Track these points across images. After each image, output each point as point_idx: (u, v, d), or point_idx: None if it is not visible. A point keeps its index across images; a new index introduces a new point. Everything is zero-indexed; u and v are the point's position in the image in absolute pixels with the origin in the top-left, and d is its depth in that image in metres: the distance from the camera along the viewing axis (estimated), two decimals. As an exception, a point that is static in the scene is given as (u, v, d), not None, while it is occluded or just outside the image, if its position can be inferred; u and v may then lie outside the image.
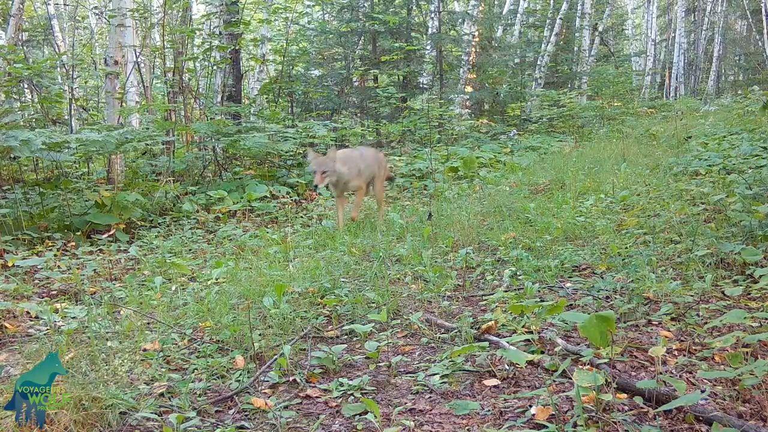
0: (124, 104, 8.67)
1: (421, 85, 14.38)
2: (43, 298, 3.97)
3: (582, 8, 18.48)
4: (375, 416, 2.14)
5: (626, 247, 4.09)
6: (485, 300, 3.48)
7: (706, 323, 2.79)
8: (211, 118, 8.76)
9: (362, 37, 13.39)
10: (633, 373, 2.45)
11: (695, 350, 2.60)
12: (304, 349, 2.89)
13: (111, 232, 5.65)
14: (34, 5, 15.73)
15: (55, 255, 4.88)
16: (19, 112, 8.59)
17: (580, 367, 2.44)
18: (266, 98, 11.39)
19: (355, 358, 2.81)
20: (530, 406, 2.21)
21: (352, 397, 2.43)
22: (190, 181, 7.70)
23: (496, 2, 19.84)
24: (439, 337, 2.98)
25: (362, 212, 5.99)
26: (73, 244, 5.32)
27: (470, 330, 2.92)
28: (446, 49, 15.08)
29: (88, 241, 5.47)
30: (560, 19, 17.15)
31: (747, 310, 2.83)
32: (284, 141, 7.95)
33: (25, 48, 12.50)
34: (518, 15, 17.77)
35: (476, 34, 15.72)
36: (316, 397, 2.46)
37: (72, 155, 6.51)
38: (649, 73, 25.83)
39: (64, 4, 18.11)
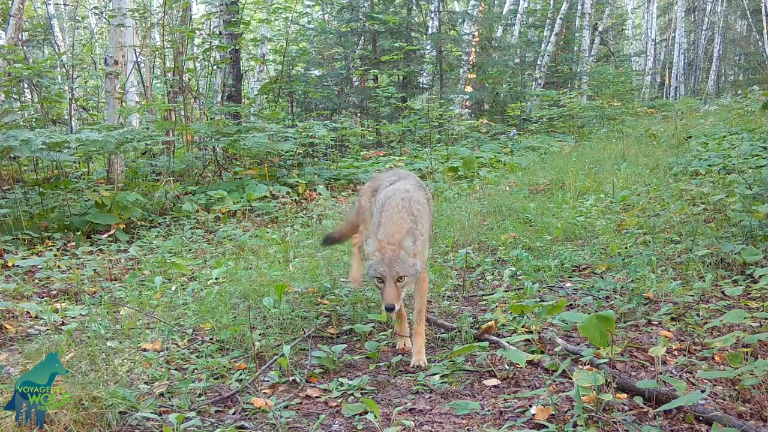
0: (124, 104, 8.67)
1: (421, 85, 14.38)
2: (43, 298, 3.97)
3: (582, 8, 18.47)
4: (375, 416, 2.13)
5: (626, 247, 4.08)
6: (485, 300, 3.48)
7: (706, 323, 2.79)
8: (211, 118, 8.75)
9: (362, 37, 13.39)
10: (633, 373, 2.45)
11: (695, 350, 2.60)
12: (304, 349, 2.89)
13: (111, 232, 5.64)
14: (34, 5, 15.71)
15: (55, 255, 4.87)
16: (19, 112, 8.59)
17: (580, 367, 2.44)
18: (266, 98, 11.38)
19: (355, 358, 2.81)
20: (530, 406, 2.21)
21: (352, 397, 2.43)
22: (190, 181, 7.70)
23: (496, 2, 19.83)
24: (439, 337, 2.98)
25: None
26: (73, 244, 5.31)
27: (470, 330, 2.92)
28: (446, 49, 15.07)
29: (88, 241, 5.47)
30: (560, 19, 17.14)
31: (747, 310, 2.82)
32: (284, 141, 7.95)
33: (25, 48, 12.49)
34: (518, 15, 17.76)
35: (476, 34, 15.71)
36: (316, 397, 2.46)
37: (72, 155, 6.51)
38: (649, 73, 25.81)
39: (64, 4, 18.10)
